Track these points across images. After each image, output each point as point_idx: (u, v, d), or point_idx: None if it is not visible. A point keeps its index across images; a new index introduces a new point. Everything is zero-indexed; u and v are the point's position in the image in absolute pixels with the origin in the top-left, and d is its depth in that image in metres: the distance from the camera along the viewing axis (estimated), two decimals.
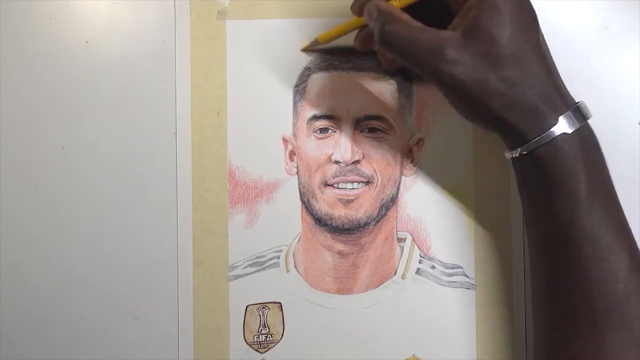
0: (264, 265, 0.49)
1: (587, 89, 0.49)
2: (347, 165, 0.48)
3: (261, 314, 0.49)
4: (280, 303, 0.49)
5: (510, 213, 0.48)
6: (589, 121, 0.40)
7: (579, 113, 0.39)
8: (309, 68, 0.49)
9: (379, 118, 0.49)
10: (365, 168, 0.49)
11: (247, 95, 0.49)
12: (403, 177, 0.49)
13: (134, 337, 0.48)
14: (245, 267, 0.49)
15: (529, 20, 0.40)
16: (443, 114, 0.48)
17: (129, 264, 0.49)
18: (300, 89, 0.49)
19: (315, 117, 0.49)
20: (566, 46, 0.49)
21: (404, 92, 0.49)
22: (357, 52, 0.48)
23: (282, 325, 0.49)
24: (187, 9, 0.49)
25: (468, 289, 0.49)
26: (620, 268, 0.38)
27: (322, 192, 0.49)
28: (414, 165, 0.49)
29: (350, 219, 0.49)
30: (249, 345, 0.49)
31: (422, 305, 0.49)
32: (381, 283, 0.49)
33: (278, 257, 0.49)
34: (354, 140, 0.48)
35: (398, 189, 0.49)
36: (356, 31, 0.46)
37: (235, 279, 0.49)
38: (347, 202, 0.49)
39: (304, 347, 0.49)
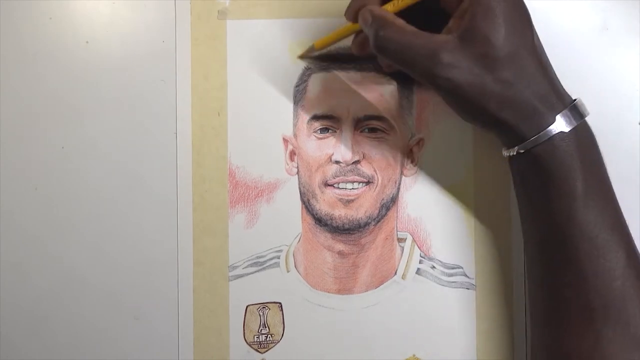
0: (264, 265, 0.49)
1: (587, 88, 0.49)
2: (348, 165, 0.48)
3: (261, 314, 0.49)
4: (280, 303, 0.49)
5: (511, 213, 0.48)
6: (589, 120, 0.40)
7: (576, 111, 0.39)
8: (310, 68, 0.49)
9: (379, 118, 0.49)
10: (366, 168, 0.49)
11: (247, 95, 0.49)
12: (403, 177, 0.49)
13: (134, 337, 0.48)
14: (246, 267, 0.49)
15: (524, 20, 0.40)
16: (443, 114, 0.48)
17: (129, 264, 0.48)
18: (300, 89, 0.49)
19: (316, 117, 0.49)
20: (566, 46, 0.49)
21: (404, 92, 0.49)
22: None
23: (282, 325, 0.49)
24: (187, 8, 0.49)
25: (468, 289, 0.49)
26: (617, 266, 0.38)
27: (323, 192, 0.49)
28: (414, 166, 0.49)
29: (351, 219, 0.49)
30: (249, 345, 0.49)
31: (422, 305, 0.49)
32: (381, 283, 0.49)
33: (278, 257, 0.49)
34: (355, 140, 0.48)
35: (398, 189, 0.49)
36: (352, 36, 0.46)
37: (235, 279, 0.49)
38: (348, 202, 0.49)
39: (304, 347, 0.49)
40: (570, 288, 0.39)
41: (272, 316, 0.49)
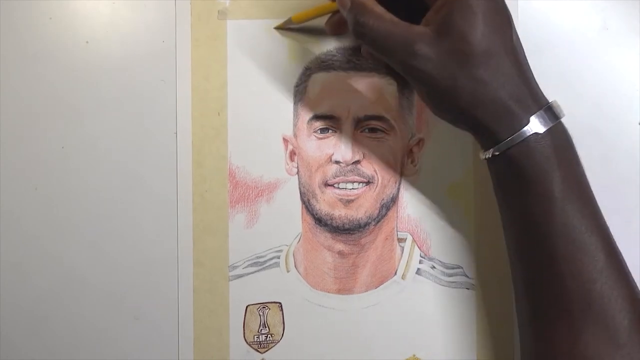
0: (264, 265, 0.49)
1: (587, 89, 0.49)
2: (348, 165, 0.48)
3: (261, 313, 0.49)
4: (280, 303, 0.49)
5: None
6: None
7: (551, 112, 0.39)
8: (310, 68, 0.49)
9: (379, 118, 0.49)
10: (366, 168, 0.49)
11: (247, 95, 0.49)
12: (403, 177, 0.49)
13: (134, 337, 0.48)
14: (246, 267, 0.49)
15: (503, 19, 0.40)
16: None
17: (129, 264, 0.48)
18: (300, 89, 0.49)
19: (316, 117, 0.49)
20: (566, 46, 0.49)
21: (405, 92, 0.49)
22: (358, 52, 0.48)
23: (282, 325, 0.49)
24: (187, 9, 0.49)
25: (468, 289, 0.49)
26: (596, 268, 0.38)
27: (323, 192, 0.49)
28: (415, 166, 0.49)
29: (351, 219, 0.49)
30: (249, 345, 0.49)
31: (422, 305, 0.49)
32: (381, 283, 0.49)
33: (278, 257, 0.49)
34: (355, 140, 0.48)
35: (398, 189, 0.49)
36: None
37: (235, 279, 0.49)
38: (348, 202, 0.49)
39: (304, 347, 0.49)
40: (550, 290, 0.39)
41: (272, 316, 0.49)
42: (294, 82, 0.49)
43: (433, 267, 0.49)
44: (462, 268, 0.49)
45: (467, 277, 0.49)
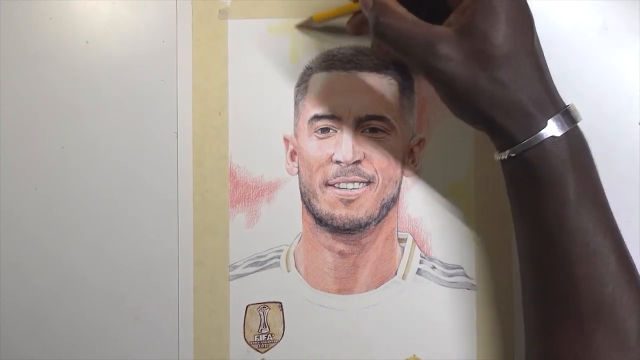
0: (265, 265, 0.49)
1: (587, 89, 0.49)
2: (348, 165, 0.48)
3: (261, 313, 0.49)
4: (280, 303, 0.49)
5: (511, 213, 0.48)
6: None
7: (568, 116, 0.39)
8: (311, 68, 0.49)
9: (380, 118, 0.49)
10: (366, 168, 0.49)
11: (248, 95, 0.49)
12: (404, 177, 0.49)
13: (134, 337, 0.48)
14: (246, 267, 0.49)
15: (525, 22, 0.40)
16: (444, 114, 0.48)
17: (129, 264, 0.48)
18: (301, 89, 0.49)
19: (317, 117, 0.49)
20: (566, 46, 0.49)
21: (406, 92, 0.49)
22: (359, 52, 0.48)
23: (282, 325, 0.49)
24: (188, 8, 0.49)
25: (468, 289, 0.49)
26: (608, 271, 0.38)
27: (323, 192, 0.49)
28: (415, 166, 0.49)
29: (351, 219, 0.49)
30: (249, 345, 0.49)
31: (422, 305, 0.49)
32: (382, 283, 0.49)
33: (279, 257, 0.49)
34: (355, 140, 0.48)
35: (399, 189, 0.49)
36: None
37: (235, 279, 0.48)
38: (348, 202, 0.49)
39: (304, 347, 0.49)
40: (561, 292, 0.39)
41: (273, 316, 0.49)
42: (294, 81, 0.49)
43: (433, 268, 0.49)
44: (462, 268, 0.49)
45: (468, 277, 0.49)
